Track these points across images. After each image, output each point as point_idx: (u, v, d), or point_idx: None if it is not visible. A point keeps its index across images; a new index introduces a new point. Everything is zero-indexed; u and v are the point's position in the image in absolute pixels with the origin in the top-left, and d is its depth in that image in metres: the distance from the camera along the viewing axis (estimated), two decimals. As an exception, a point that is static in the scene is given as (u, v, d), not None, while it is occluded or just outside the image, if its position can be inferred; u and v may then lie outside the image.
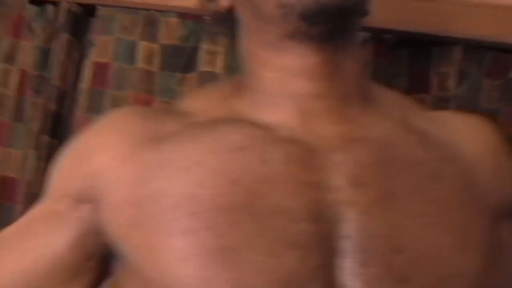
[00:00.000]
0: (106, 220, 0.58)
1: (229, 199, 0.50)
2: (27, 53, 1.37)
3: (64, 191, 0.62)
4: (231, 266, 0.47)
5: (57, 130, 1.30)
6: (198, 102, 0.67)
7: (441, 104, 1.12)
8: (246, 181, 0.50)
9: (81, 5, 1.39)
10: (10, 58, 1.37)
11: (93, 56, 1.34)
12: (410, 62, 1.16)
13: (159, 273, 0.51)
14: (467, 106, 1.11)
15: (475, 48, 1.12)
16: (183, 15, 1.30)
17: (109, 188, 0.57)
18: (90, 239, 0.60)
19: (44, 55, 1.37)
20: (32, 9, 1.39)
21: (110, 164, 0.58)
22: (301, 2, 0.54)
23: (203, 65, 1.28)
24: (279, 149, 0.53)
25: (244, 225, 0.48)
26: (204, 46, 1.28)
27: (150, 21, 1.32)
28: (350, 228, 0.49)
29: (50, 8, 1.39)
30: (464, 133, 0.65)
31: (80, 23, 1.40)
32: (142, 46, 1.32)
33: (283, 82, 0.58)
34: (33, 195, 1.15)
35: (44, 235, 0.62)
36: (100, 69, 1.32)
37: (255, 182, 0.50)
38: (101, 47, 1.34)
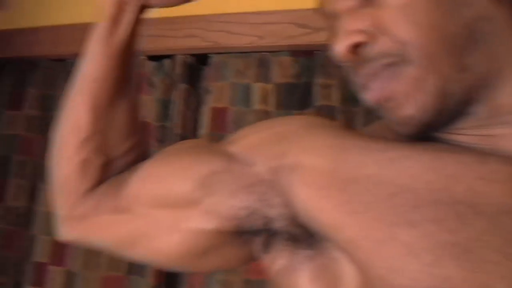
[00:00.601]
0: (301, 199, 0.52)
1: (449, 194, 0.45)
2: (149, 106, 1.45)
3: (250, 156, 0.57)
4: (468, 265, 0.42)
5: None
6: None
7: None
8: (465, 177, 0.46)
9: (194, 55, 1.45)
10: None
11: (210, 102, 1.38)
12: None
13: (381, 266, 0.46)
14: None
15: None
16: (295, 52, 1.31)
17: (309, 167, 0.52)
18: (256, 205, 0.54)
19: (164, 106, 1.44)
20: (150, 65, 1.48)
21: (314, 147, 0.54)
22: None
23: (318, 100, 1.27)
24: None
25: (474, 222, 0.44)
26: (318, 80, 1.28)
27: (262, 62, 1.35)
28: None
29: (167, 62, 1.47)
30: None
31: (195, 72, 1.46)
32: (257, 88, 1.34)
33: None
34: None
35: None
36: (218, 114, 1.36)
37: (475, 178, 0.46)
38: (217, 93, 1.38)
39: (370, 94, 0.52)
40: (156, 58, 1.48)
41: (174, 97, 1.41)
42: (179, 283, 1.49)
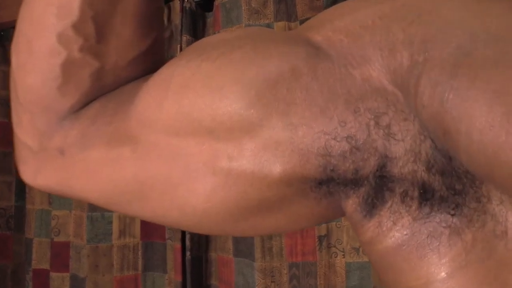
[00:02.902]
0: (469, 122, 0.27)
1: None
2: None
3: (355, 48, 0.33)
4: None
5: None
6: None
7: None
8: None
9: (196, 1, 1.19)
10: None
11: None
12: None
13: None
14: None
15: None
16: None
17: (477, 61, 0.29)
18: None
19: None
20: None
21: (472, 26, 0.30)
22: None
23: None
24: None
25: None
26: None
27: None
28: None
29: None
30: None
31: (198, 20, 1.20)
32: (279, 28, 1.09)
33: None
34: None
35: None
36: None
37: None
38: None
39: None
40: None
41: (174, 53, 1.15)
42: (204, 275, 1.27)
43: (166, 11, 1.20)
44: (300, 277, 1.14)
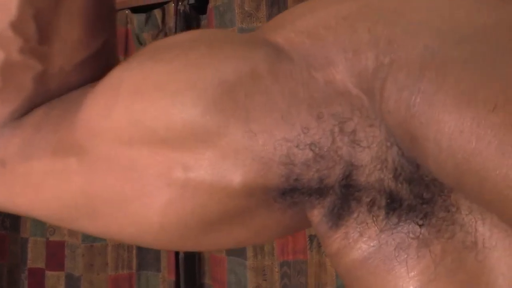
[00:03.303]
0: (440, 128, 0.26)
1: None
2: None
3: (318, 50, 0.32)
4: None
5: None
6: None
7: None
8: None
9: (190, 4, 1.21)
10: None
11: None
12: None
13: None
14: None
15: None
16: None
17: (450, 61, 0.28)
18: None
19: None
20: (137, 19, 1.24)
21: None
22: None
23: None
24: None
25: None
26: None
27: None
28: None
29: (156, 12, 1.23)
30: None
31: (192, 22, 1.22)
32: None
33: None
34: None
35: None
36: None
37: None
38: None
39: None
40: (142, 9, 1.23)
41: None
42: (197, 274, 1.28)
43: (160, 13, 1.22)
44: (291, 276, 1.16)
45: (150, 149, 0.31)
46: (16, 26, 0.35)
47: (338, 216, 0.30)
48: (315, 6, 0.32)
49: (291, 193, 0.31)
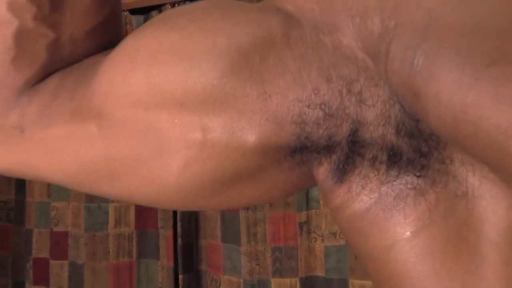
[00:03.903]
0: (437, 85, 0.24)
1: None
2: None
3: (326, 15, 0.34)
4: None
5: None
6: None
7: None
8: None
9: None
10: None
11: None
12: None
13: None
14: None
15: None
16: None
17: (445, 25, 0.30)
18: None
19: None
20: (136, 20, 1.30)
21: None
22: None
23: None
24: None
25: None
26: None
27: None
28: None
29: (155, 14, 1.29)
30: None
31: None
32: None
33: None
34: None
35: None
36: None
37: None
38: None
39: None
40: (141, 11, 1.29)
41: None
42: (195, 261, 1.35)
43: (157, 15, 1.29)
44: (282, 260, 1.23)
45: (168, 113, 0.32)
46: None
47: (343, 171, 0.32)
48: None
49: (301, 151, 0.32)
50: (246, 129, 0.31)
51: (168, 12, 0.35)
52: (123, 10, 1.29)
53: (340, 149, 0.31)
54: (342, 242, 1.19)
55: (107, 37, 0.40)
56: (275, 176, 0.34)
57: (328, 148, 0.32)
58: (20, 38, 0.36)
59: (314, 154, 0.32)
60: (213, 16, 0.32)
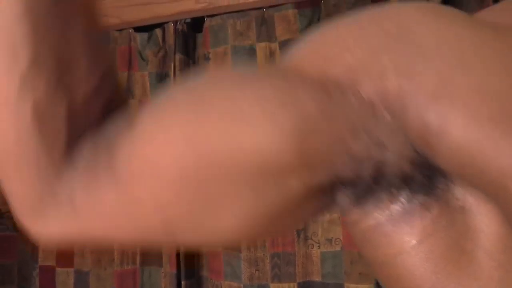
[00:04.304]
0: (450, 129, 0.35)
1: None
2: (142, 82, 1.33)
3: (348, 75, 0.37)
4: None
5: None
6: None
7: None
8: None
9: (186, 22, 1.33)
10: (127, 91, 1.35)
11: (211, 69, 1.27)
12: None
13: None
14: None
15: None
16: (299, 4, 1.20)
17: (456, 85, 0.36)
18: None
19: (159, 80, 1.32)
20: (139, 37, 1.36)
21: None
22: None
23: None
24: None
25: None
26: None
27: (264, 20, 1.24)
28: None
29: (157, 31, 1.35)
30: None
31: (189, 40, 1.34)
32: (261, 48, 1.24)
33: None
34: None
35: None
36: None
37: None
38: (217, 59, 1.27)
39: None
40: (144, 29, 1.36)
41: (169, 70, 1.29)
42: (196, 267, 1.41)
43: (161, 32, 1.35)
44: (281, 266, 1.29)
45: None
46: (37, 63, 0.35)
47: (361, 197, 0.35)
48: (337, 33, 0.35)
49: (332, 188, 0.35)
50: (294, 181, 0.34)
51: (178, 100, 0.36)
52: (128, 28, 1.36)
53: (363, 182, 0.35)
54: (338, 248, 1.25)
55: (108, 94, 0.39)
56: (306, 206, 0.36)
57: (353, 182, 0.35)
58: (40, 112, 0.35)
59: (338, 188, 0.36)
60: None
